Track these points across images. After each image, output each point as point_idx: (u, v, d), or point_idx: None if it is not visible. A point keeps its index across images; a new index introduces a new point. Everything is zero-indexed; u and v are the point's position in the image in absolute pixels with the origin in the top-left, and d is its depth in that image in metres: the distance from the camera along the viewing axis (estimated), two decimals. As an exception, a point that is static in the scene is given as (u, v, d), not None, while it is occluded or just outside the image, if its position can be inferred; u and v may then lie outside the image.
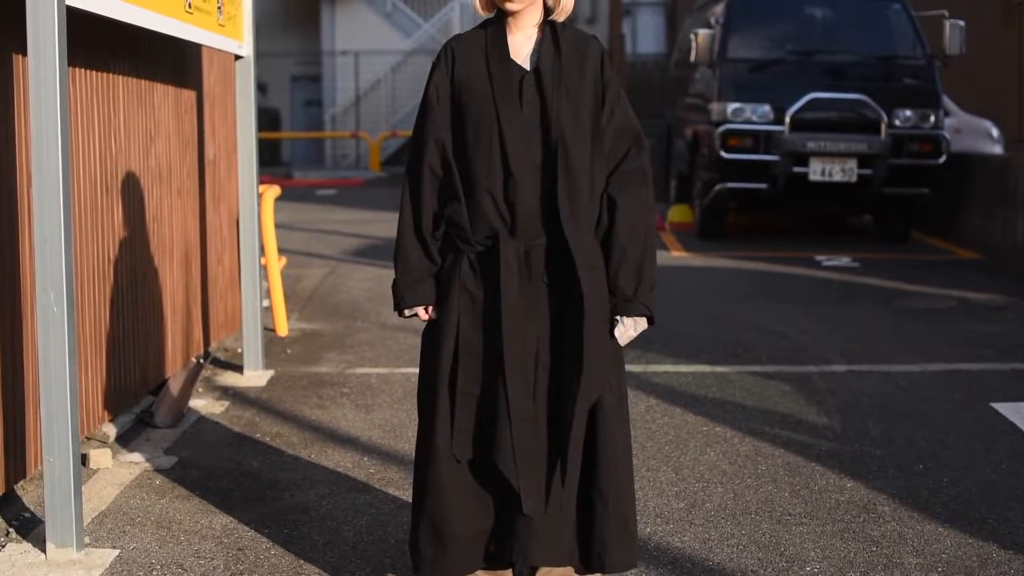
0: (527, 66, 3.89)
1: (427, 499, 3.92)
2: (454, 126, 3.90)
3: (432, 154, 3.90)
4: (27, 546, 4.67)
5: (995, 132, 17.09)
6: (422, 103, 3.95)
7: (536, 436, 3.85)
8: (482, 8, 3.94)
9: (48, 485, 4.53)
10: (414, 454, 4.09)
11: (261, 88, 24.86)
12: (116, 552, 4.63)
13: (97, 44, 5.87)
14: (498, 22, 3.93)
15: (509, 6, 3.85)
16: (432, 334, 3.98)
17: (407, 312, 4.03)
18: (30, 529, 4.85)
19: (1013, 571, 4.54)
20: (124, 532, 4.86)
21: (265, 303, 8.51)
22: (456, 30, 30.88)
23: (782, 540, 4.83)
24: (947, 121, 15.32)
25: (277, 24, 30.40)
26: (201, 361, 7.20)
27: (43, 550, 4.57)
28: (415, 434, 6.14)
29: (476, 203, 3.84)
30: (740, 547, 4.76)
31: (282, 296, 8.83)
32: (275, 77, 30.57)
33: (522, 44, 3.91)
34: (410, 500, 5.19)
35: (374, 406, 6.82)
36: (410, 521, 4.06)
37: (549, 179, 3.83)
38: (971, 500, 5.32)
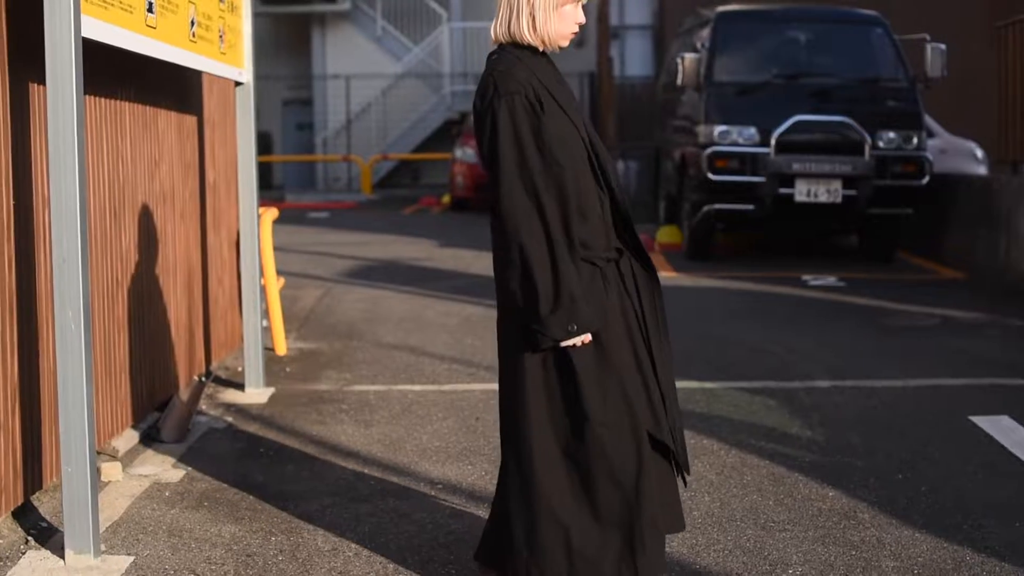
0: None
1: (643, 500, 4.06)
2: (555, 153, 4.03)
3: (549, 182, 4.00)
4: (46, 553, 4.89)
5: (979, 153, 17.37)
6: (515, 135, 4.00)
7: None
8: (540, 44, 4.12)
9: (66, 494, 4.74)
10: (604, 478, 4.09)
11: (254, 112, 25.09)
12: (131, 558, 4.85)
13: (106, 72, 6.09)
14: (533, 50, 4.14)
15: (563, 44, 4.15)
16: (596, 344, 4.08)
17: (579, 338, 4.00)
18: (48, 537, 5.07)
19: (985, 573, 4.77)
20: (138, 540, 5.08)
21: (264, 323, 8.72)
22: (446, 54, 31.16)
23: (766, 545, 5.05)
24: (932, 142, 15.58)
25: (268, 48, 30.64)
26: (203, 379, 7.40)
27: (61, 557, 4.78)
28: (414, 448, 6.43)
29: (594, 222, 4.09)
30: (726, 552, 4.98)
31: (281, 316, 9.05)
32: (267, 101, 30.75)
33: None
34: (409, 510, 5.44)
35: (372, 421, 7.04)
36: (617, 541, 4.09)
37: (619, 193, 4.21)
38: (947, 508, 5.54)
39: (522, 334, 4.04)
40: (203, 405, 7.33)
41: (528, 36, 4.10)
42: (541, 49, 4.15)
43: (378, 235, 18.69)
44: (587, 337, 4.00)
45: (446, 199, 25.17)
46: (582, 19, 4.16)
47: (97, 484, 4.91)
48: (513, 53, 4.12)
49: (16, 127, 5.14)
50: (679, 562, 4.86)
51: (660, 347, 4.23)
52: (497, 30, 4.15)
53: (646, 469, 4.08)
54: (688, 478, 4.42)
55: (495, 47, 4.20)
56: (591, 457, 4.04)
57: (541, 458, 4.06)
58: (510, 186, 3.97)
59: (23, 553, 4.90)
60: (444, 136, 29.76)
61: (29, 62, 5.17)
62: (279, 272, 10.43)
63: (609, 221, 4.14)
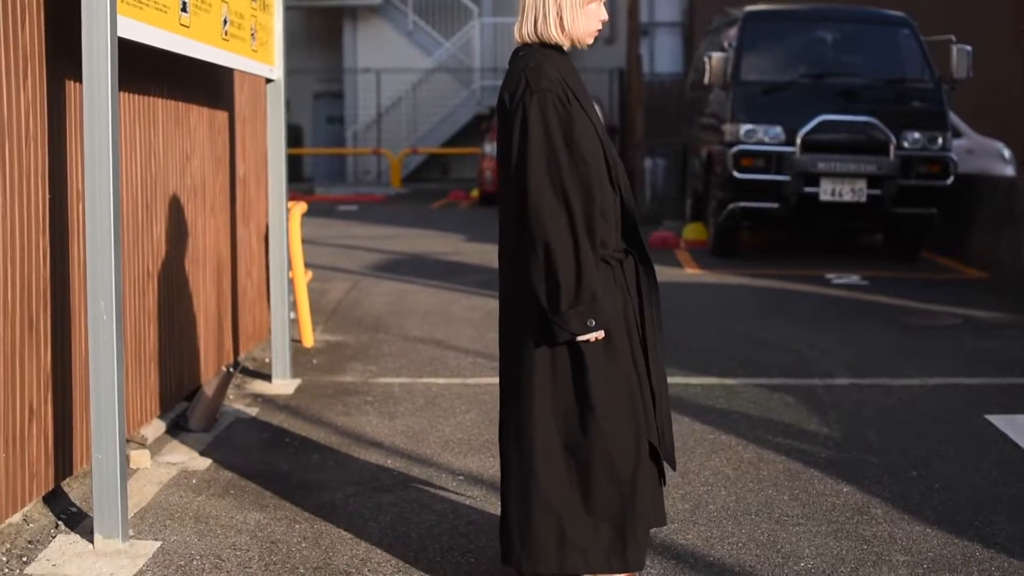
0: None
1: (637, 494, 4.19)
2: (583, 151, 4.11)
3: (575, 180, 4.07)
4: (75, 537, 5.03)
5: (1007, 153, 17.39)
6: (546, 132, 4.06)
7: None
8: (567, 43, 4.21)
9: (96, 480, 4.88)
10: (600, 470, 4.18)
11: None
12: (158, 544, 4.99)
13: (140, 69, 6.22)
14: (559, 50, 4.23)
15: (589, 42, 4.25)
16: (607, 340, 4.17)
17: (595, 333, 4.09)
18: (77, 522, 5.21)
19: (994, 568, 4.86)
20: (165, 526, 5.22)
21: (292, 315, 8.85)
22: (476, 49, 31.30)
23: (779, 539, 5.15)
24: (959, 142, 15.61)
25: (300, 42, 30.82)
26: (231, 370, 7.53)
27: (91, 541, 4.93)
28: (436, 439, 6.55)
29: (611, 221, 4.20)
30: (740, 545, 5.09)
31: (308, 309, 9.18)
32: (297, 94, 31.01)
33: None
34: (431, 500, 5.56)
35: (397, 413, 7.16)
36: (607, 532, 4.21)
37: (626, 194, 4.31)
38: (959, 504, 5.64)
39: (538, 327, 4.12)
40: (230, 395, 7.47)
41: (556, 35, 4.18)
42: (566, 48, 4.24)
43: (406, 229, 18.83)
44: (602, 333, 4.08)
45: (475, 193, 25.31)
46: (605, 16, 4.24)
47: (126, 471, 5.06)
48: (541, 52, 4.19)
49: (52, 123, 5.28)
50: (693, 554, 4.97)
51: (655, 344, 4.33)
52: (522, 30, 4.22)
53: (643, 463, 4.20)
54: (669, 473, 4.50)
55: (519, 44, 4.28)
56: (593, 450, 4.14)
57: (542, 450, 4.15)
58: (539, 183, 4.03)
59: (53, 537, 5.05)
60: (474, 131, 29.91)
61: (65, 60, 5.31)
62: (307, 265, 10.56)
63: (618, 220, 4.25)
